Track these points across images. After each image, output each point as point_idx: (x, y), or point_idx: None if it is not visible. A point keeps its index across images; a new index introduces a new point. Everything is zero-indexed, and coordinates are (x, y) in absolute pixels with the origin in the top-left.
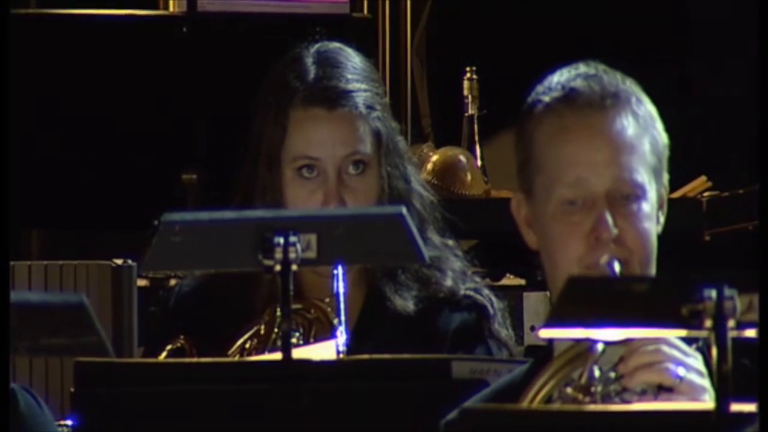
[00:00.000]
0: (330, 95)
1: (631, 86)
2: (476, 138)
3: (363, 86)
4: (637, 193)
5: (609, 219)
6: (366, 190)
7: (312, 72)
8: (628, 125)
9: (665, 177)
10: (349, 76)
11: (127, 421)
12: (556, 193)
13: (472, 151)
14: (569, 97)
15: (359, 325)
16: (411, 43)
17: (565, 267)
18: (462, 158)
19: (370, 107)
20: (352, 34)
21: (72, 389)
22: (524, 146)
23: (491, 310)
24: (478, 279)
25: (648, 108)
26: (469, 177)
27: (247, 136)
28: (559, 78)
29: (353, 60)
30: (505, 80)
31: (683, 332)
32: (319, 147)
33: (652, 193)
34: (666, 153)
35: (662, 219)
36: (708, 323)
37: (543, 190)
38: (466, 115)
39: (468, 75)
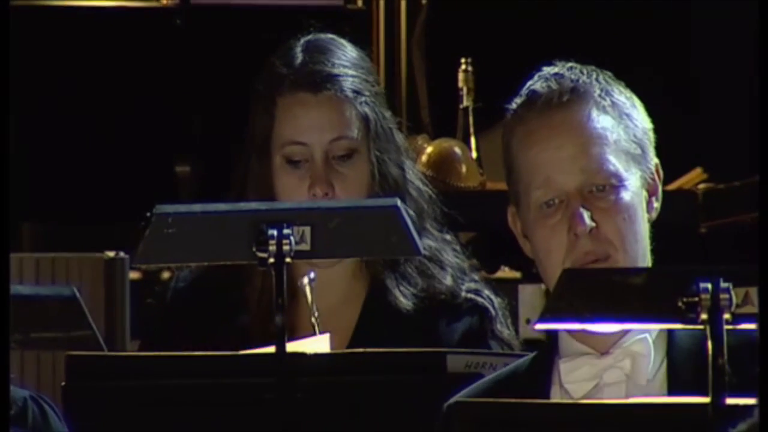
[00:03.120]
0: (315, 79)
1: (595, 78)
2: (471, 130)
3: (350, 72)
4: (611, 183)
5: (584, 213)
6: (355, 176)
7: (299, 58)
8: (591, 117)
9: (652, 162)
10: (336, 61)
11: (119, 415)
12: (532, 197)
13: (467, 143)
14: (530, 100)
15: (361, 324)
16: (408, 34)
17: (554, 273)
18: (457, 150)
19: (357, 92)
20: (346, 26)
21: (63, 383)
22: (505, 157)
23: (493, 312)
24: (476, 276)
25: (617, 97)
26: (464, 169)
27: (242, 129)
28: (527, 86)
29: (343, 48)
30: (500, 72)
31: (679, 325)
32: (305, 131)
33: (632, 180)
34: (650, 137)
35: (657, 205)
36: (704, 316)
37: (523, 198)
38: (461, 107)
39: (463, 67)
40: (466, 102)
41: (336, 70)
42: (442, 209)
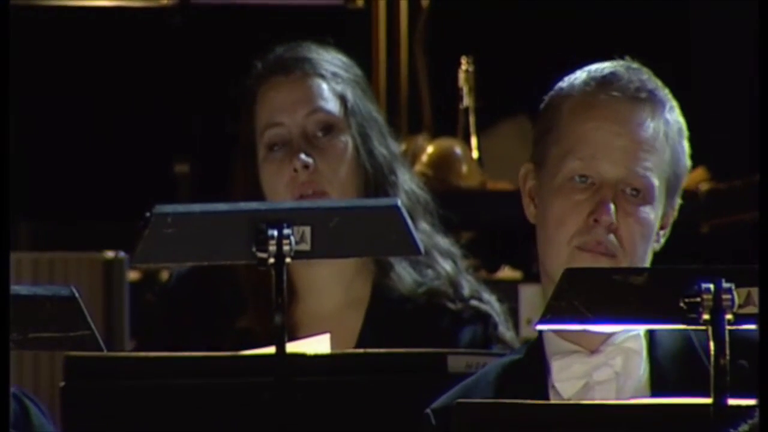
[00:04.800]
0: (288, 63)
1: (668, 95)
2: (472, 129)
3: (326, 57)
4: (645, 193)
5: (611, 206)
6: (336, 149)
7: (276, 53)
8: (654, 126)
9: (677, 201)
10: (311, 49)
11: (118, 415)
12: (568, 165)
13: (468, 143)
14: (607, 78)
15: (366, 327)
16: (408, 34)
17: (559, 244)
18: (458, 150)
19: (333, 74)
20: (346, 26)
21: (62, 383)
22: (548, 116)
23: (496, 317)
24: (470, 278)
25: (678, 120)
26: (465, 168)
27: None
28: (605, 64)
29: (326, 48)
30: (501, 72)
31: (681, 326)
32: (280, 111)
33: (659, 203)
34: (685, 177)
35: (663, 240)
36: (705, 316)
37: (555, 161)
38: (462, 106)
39: (464, 66)
40: (466, 101)
41: (309, 55)
42: (438, 211)
